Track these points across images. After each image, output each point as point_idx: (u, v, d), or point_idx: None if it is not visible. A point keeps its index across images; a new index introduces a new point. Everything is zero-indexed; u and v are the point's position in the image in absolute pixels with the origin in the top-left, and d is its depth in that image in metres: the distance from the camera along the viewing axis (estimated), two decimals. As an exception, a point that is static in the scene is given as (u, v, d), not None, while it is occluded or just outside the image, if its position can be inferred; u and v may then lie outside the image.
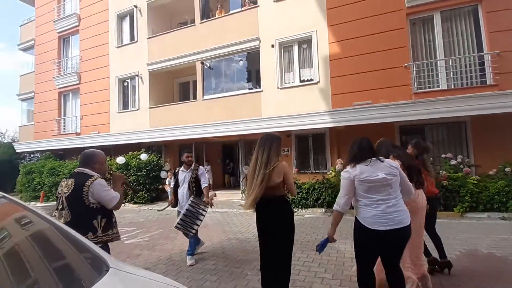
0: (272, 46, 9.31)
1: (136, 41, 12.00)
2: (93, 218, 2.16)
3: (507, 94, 6.37)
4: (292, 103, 8.85)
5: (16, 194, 13.44)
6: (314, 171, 9.04)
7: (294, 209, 7.17)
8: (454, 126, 7.84)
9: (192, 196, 3.74)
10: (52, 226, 1.47)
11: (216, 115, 9.94)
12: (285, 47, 9.38)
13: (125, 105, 12.48)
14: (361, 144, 2.26)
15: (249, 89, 10.23)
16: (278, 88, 9.22)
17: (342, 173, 2.27)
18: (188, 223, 3.41)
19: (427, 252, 3.26)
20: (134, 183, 10.32)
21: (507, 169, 6.64)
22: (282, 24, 9.22)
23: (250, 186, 2.44)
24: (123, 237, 5.77)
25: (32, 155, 17.67)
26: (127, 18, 12.53)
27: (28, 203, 8.46)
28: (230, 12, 10.70)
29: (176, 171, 4.32)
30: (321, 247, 2.31)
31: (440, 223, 5.86)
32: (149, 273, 1.45)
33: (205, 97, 10.58)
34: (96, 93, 12.80)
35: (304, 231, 5.57)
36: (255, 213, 2.55)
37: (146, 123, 11.48)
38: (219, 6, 11.18)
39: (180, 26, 11.84)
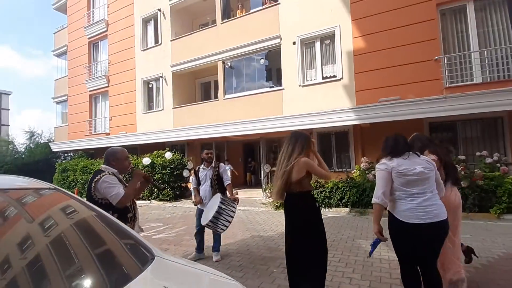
0: (294, 43, 9.22)
1: (160, 44, 12.39)
2: None
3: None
4: (314, 100, 8.72)
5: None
6: (337, 170, 8.87)
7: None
8: (490, 122, 7.36)
9: (221, 194, 3.79)
10: (98, 215, 1.55)
11: (237, 114, 10.03)
12: (306, 43, 9.26)
13: (150, 106, 12.94)
14: (397, 138, 2.24)
15: (270, 87, 10.22)
16: (299, 85, 9.11)
17: (377, 166, 2.23)
18: (221, 221, 3.45)
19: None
20: (159, 181, 10.69)
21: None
22: (303, 21, 9.10)
23: (275, 180, 2.55)
24: (151, 232, 6.01)
25: (66, 154, 18.87)
26: (152, 22, 12.96)
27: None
28: (251, 11, 10.73)
29: (197, 169, 4.36)
30: (372, 248, 2.24)
31: (476, 225, 5.58)
32: (194, 263, 1.47)
33: (226, 96, 10.71)
34: (123, 95, 13.38)
35: (328, 231, 5.36)
36: (282, 210, 2.57)
37: (169, 123, 11.83)
38: (239, 5, 11.24)
39: (202, 28, 12.07)
